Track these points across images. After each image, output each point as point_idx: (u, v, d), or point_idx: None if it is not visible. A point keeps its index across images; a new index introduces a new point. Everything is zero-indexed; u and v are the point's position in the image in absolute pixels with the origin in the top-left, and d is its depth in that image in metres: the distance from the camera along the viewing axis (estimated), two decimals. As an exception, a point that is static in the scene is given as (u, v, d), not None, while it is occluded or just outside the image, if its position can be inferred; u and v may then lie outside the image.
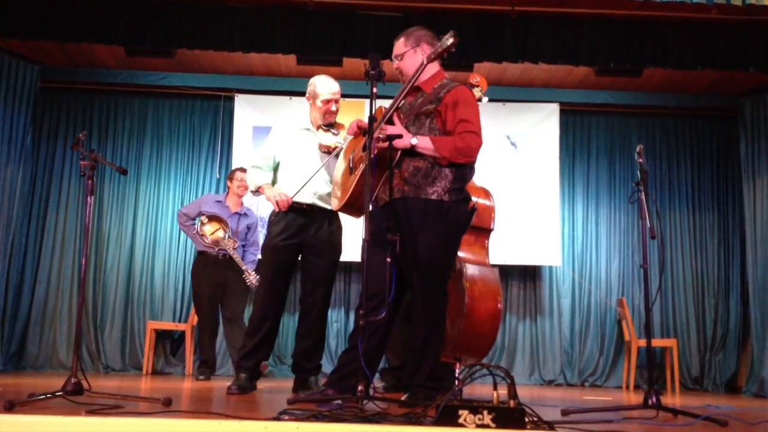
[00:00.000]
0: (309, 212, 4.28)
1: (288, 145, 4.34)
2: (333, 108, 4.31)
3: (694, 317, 7.21)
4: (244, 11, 5.93)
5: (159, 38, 5.99)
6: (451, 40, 3.33)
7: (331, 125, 4.32)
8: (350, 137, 3.67)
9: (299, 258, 4.38)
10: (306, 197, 4.23)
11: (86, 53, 6.79)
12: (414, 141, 3.23)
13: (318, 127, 4.33)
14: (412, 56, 3.46)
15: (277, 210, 4.22)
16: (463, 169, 3.39)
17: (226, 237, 5.86)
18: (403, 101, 3.37)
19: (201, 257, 6.08)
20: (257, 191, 4.36)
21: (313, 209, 4.28)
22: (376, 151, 3.13)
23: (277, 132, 4.48)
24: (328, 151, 4.21)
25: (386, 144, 3.17)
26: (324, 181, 4.25)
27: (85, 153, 3.20)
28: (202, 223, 5.89)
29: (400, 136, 3.20)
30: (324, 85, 4.34)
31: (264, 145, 4.50)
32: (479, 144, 3.33)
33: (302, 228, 4.27)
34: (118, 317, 7.00)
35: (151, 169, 7.32)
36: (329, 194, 4.19)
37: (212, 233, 5.86)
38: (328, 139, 4.24)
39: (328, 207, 4.24)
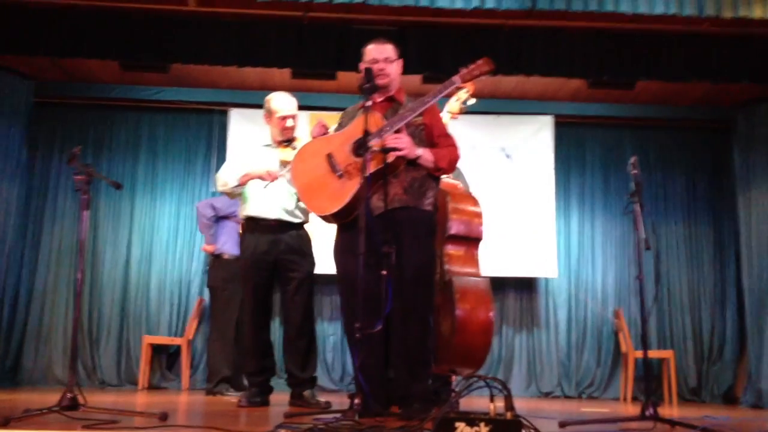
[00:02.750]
0: (277, 228, 4.33)
1: (250, 162, 4.38)
2: (290, 124, 4.38)
3: (691, 328, 7.21)
4: (239, 26, 5.96)
5: (154, 53, 6.02)
6: (488, 67, 3.42)
7: (290, 141, 4.38)
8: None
9: (276, 272, 4.41)
10: (273, 212, 4.29)
11: (81, 68, 6.80)
12: (419, 152, 3.28)
13: (278, 143, 4.40)
14: (398, 65, 3.53)
15: (269, 180, 4.19)
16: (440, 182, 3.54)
17: None
18: (368, 109, 3.28)
19: (231, 262, 5.82)
20: (239, 184, 4.33)
21: (280, 224, 4.33)
22: (392, 159, 3.17)
23: (240, 150, 4.56)
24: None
25: (401, 153, 3.20)
26: (289, 195, 4.30)
27: (80, 168, 3.20)
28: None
29: (397, 149, 3.22)
30: (279, 101, 4.41)
31: (228, 163, 4.54)
32: (459, 156, 3.51)
33: (273, 243, 4.31)
34: (113, 332, 6.97)
35: (146, 184, 7.32)
36: (295, 208, 4.33)
37: None
38: (289, 155, 4.29)
39: (296, 220, 4.35)
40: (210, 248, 6.06)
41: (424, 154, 3.31)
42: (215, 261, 6.01)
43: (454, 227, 3.82)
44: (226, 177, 4.39)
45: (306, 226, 4.48)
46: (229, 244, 5.92)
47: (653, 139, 7.62)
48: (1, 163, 6.46)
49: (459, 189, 4.14)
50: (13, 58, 6.34)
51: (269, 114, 4.43)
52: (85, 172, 3.19)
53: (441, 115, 3.69)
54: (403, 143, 3.21)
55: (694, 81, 6.13)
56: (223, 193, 4.54)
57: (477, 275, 3.82)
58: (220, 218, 6.05)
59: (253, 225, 4.34)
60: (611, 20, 5.69)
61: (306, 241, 4.44)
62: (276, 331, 6.49)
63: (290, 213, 4.32)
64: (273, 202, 4.28)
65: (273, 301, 4.57)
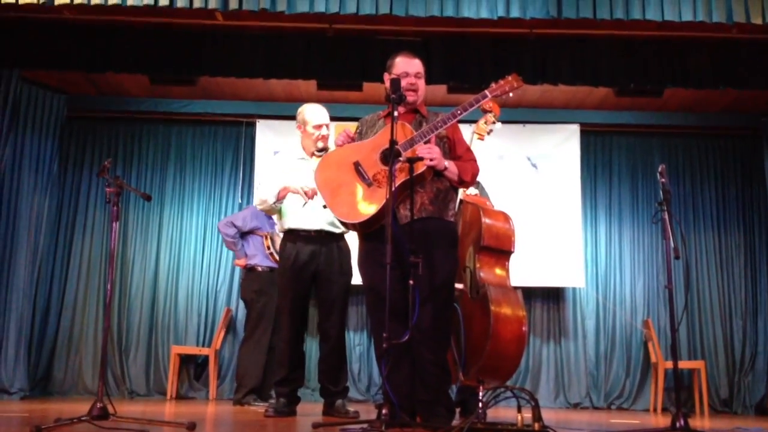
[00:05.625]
0: (318, 238, 4.35)
1: (287, 176, 4.38)
2: (325, 132, 4.41)
3: (722, 338, 7.09)
4: (265, 38, 6.02)
5: (182, 66, 6.10)
6: (518, 84, 3.47)
7: (324, 150, 4.40)
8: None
9: (314, 284, 4.42)
10: (315, 223, 4.30)
11: (111, 82, 6.91)
12: (446, 164, 3.30)
13: (311, 155, 4.42)
14: (424, 81, 3.54)
15: (306, 200, 4.21)
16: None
17: None
18: (396, 119, 3.27)
19: (262, 274, 5.86)
20: (278, 200, 4.33)
21: (321, 235, 4.35)
22: (421, 169, 3.17)
23: (275, 165, 4.56)
24: None
25: (433, 163, 3.21)
26: None
27: (110, 180, 3.25)
28: (274, 240, 5.82)
29: (419, 159, 3.23)
30: (313, 111, 4.48)
31: (264, 180, 4.50)
32: (479, 171, 3.56)
33: (313, 255, 4.33)
34: (142, 342, 7.04)
35: (175, 195, 7.40)
36: (335, 218, 4.29)
37: None
38: None
39: (337, 231, 4.35)
40: (242, 262, 6.07)
41: (450, 167, 3.33)
42: (248, 274, 6.00)
43: (488, 239, 3.83)
44: (264, 194, 4.37)
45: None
46: (258, 256, 5.92)
47: (681, 146, 7.54)
48: (33, 177, 6.57)
49: (489, 204, 4.16)
50: (46, 74, 6.47)
51: (303, 124, 4.47)
52: (116, 184, 3.24)
53: (467, 135, 3.73)
54: (435, 153, 3.22)
55: (722, 88, 6.05)
56: (263, 210, 4.54)
57: (510, 287, 3.83)
58: (245, 233, 6.05)
59: (294, 236, 4.35)
60: (638, 28, 5.65)
61: (345, 253, 4.43)
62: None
63: (331, 224, 4.31)
64: (313, 213, 4.26)
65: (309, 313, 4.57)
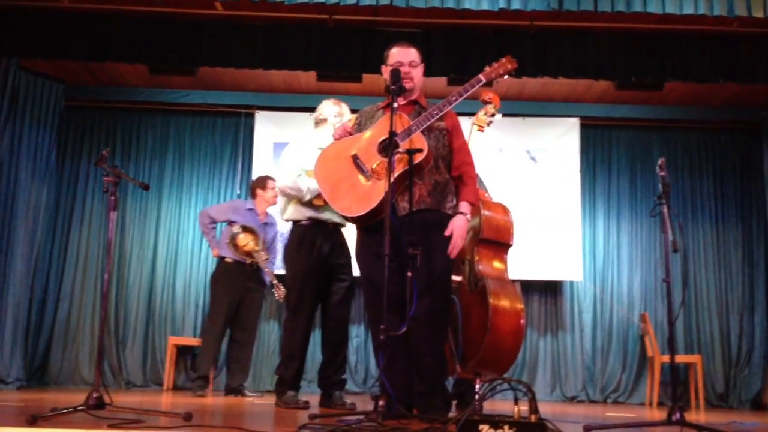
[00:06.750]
0: (333, 230, 4.34)
1: (308, 164, 4.31)
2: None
3: (719, 333, 7.11)
4: (265, 29, 6.00)
5: (181, 57, 6.08)
6: (511, 65, 3.44)
7: None
8: None
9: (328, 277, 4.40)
10: (336, 216, 4.25)
11: (110, 72, 6.89)
12: (468, 215, 3.31)
13: None
14: (421, 70, 3.50)
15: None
16: None
17: (260, 250, 5.83)
18: (396, 110, 3.21)
19: (225, 264, 5.93)
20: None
21: (338, 228, 4.35)
22: (422, 157, 3.14)
23: (296, 149, 4.48)
24: None
25: (457, 248, 3.22)
26: None
27: (108, 169, 3.24)
28: (236, 233, 5.83)
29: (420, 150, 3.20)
30: (345, 106, 4.56)
31: (290, 161, 4.40)
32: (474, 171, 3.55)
33: (332, 249, 4.33)
34: (139, 333, 7.04)
35: (173, 186, 7.39)
36: None
37: (245, 244, 5.82)
38: None
39: (344, 222, 4.29)
40: (214, 252, 6.16)
41: (467, 207, 3.33)
42: (219, 263, 6.05)
43: (487, 232, 3.82)
44: (306, 184, 4.25)
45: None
46: (224, 248, 5.98)
47: (681, 140, 7.54)
48: (31, 166, 6.56)
49: (487, 196, 4.15)
50: (44, 62, 6.45)
51: (339, 116, 4.49)
52: (113, 174, 3.22)
53: (466, 127, 3.72)
54: (458, 236, 3.23)
55: (723, 82, 6.04)
56: (285, 197, 4.45)
57: (508, 280, 3.83)
58: (229, 223, 6.05)
59: (313, 228, 4.32)
60: (639, 21, 5.64)
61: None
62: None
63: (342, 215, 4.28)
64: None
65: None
